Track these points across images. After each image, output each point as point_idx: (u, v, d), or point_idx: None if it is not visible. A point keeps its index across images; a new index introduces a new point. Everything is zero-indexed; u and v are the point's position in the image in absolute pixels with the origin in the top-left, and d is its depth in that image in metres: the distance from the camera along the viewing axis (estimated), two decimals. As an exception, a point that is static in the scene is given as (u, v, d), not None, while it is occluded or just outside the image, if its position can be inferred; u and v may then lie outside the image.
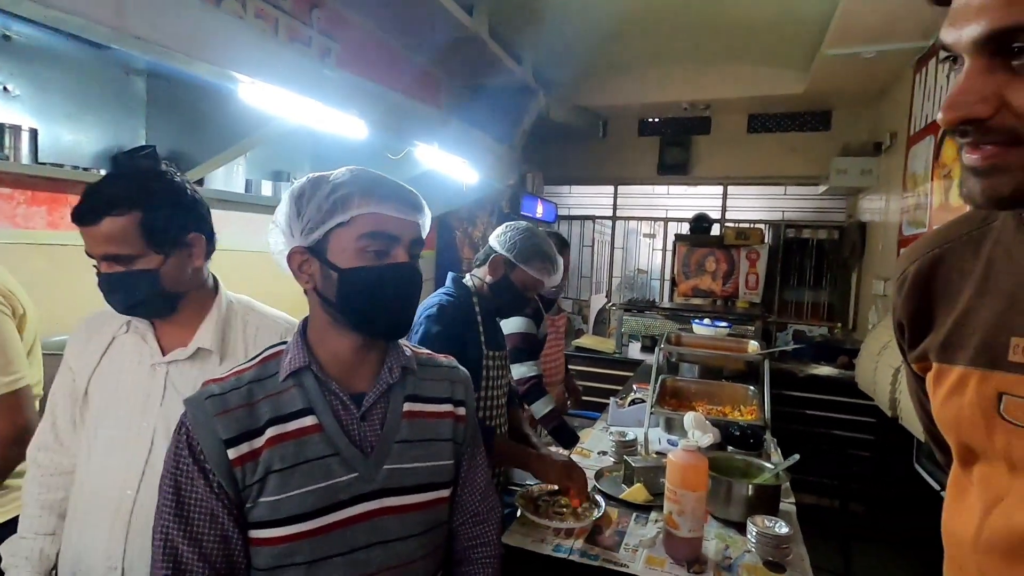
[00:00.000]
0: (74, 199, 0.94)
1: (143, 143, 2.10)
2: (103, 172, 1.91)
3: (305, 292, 0.83)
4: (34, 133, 1.72)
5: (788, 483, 1.42)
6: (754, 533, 1.19)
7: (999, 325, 0.53)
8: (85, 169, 1.85)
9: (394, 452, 0.82)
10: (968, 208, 0.56)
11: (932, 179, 2.94)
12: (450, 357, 0.98)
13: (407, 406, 0.85)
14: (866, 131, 4.39)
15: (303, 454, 0.76)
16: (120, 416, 0.99)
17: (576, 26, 3.86)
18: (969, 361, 0.55)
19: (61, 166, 1.78)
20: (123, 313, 1.01)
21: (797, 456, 1.38)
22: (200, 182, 2.17)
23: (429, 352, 0.96)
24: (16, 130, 1.67)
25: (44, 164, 1.74)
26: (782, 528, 1.18)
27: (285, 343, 0.85)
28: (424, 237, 0.86)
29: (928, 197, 2.97)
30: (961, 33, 0.45)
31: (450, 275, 1.57)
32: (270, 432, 0.75)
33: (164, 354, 1.02)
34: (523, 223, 1.57)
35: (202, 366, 1.02)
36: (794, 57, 4.05)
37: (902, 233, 3.41)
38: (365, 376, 0.84)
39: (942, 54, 0.49)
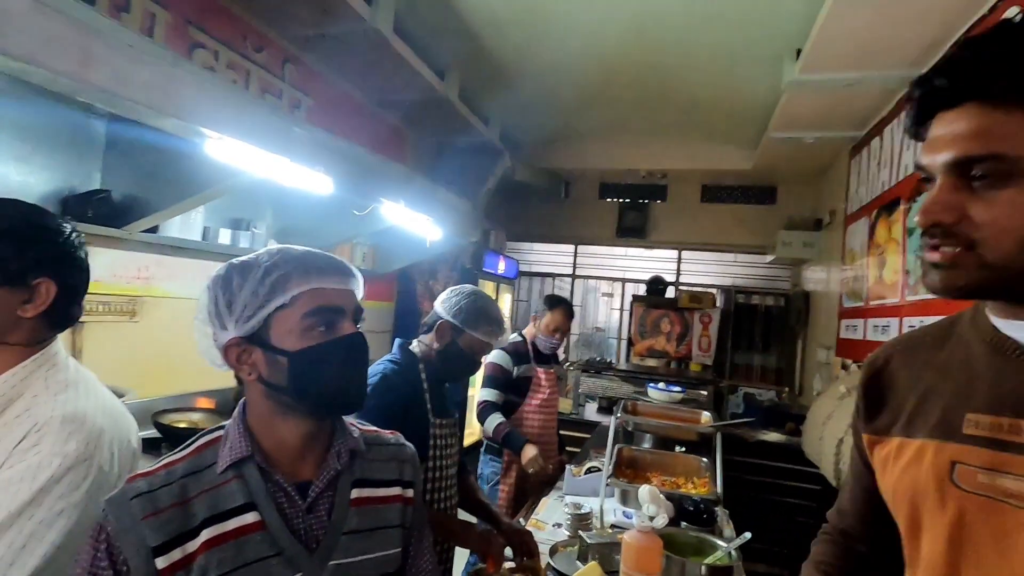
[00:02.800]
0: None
1: (97, 187, 2.05)
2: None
3: (240, 384, 0.78)
4: (-22, 173, 1.64)
5: (740, 561, 1.42)
6: (708, 617, 1.18)
7: (956, 404, 0.62)
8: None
9: (341, 546, 0.76)
10: (931, 295, 0.66)
11: (868, 255, 3.15)
12: (396, 433, 0.94)
13: (355, 492, 0.81)
14: (808, 207, 4.71)
15: (243, 556, 0.68)
16: None
17: (543, 94, 4.06)
18: (927, 434, 0.63)
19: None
20: None
21: (748, 535, 1.39)
22: (154, 229, 2.10)
23: (375, 429, 0.92)
24: (-42, 169, 1.60)
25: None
26: (735, 612, 1.17)
27: (222, 427, 0.77)
28: (360, 302, 0.82)
29: (866, 272, 3.17)
30: (935, 158, 0.57)
31: (396, 341, 1.54)
32: (206, 534, 0.67)
33: None
34: (468, 287, 1.55)
35: None
36: (743, 136, 4.35)
37: (842, 304, 3.59)
38: (311, 462, 0.78)
39: (916, 167, 0.61)
